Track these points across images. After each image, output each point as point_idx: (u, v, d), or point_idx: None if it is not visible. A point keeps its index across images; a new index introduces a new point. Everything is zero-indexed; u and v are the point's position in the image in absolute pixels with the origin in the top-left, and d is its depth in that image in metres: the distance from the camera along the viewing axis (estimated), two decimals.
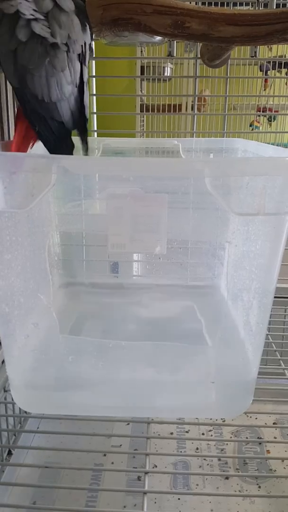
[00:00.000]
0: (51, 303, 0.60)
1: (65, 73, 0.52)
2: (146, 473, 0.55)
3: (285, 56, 1.78)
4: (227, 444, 0.71)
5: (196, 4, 0.79)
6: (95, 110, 1.47)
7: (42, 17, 0.49)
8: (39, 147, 0.55)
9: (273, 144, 0.68)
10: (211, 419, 0.73)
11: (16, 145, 0.54)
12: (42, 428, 0.72)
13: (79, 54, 0.54)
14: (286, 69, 1.71)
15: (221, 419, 0.74)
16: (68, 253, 0.86)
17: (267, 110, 1.88)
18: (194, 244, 0.83)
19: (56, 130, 0.53)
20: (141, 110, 2.02)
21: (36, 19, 0.49)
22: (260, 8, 0.86)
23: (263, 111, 1.88)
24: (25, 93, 0.50)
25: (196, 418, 0.72)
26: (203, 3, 0.85)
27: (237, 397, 0.57)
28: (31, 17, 0.48)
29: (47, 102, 0.52)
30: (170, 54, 0.93)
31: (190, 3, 0.69)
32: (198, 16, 0.59)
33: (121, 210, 0.51)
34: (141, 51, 1.47)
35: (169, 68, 1.84)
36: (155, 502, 0.60)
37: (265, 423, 0.75)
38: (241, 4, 0.91)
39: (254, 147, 0.71)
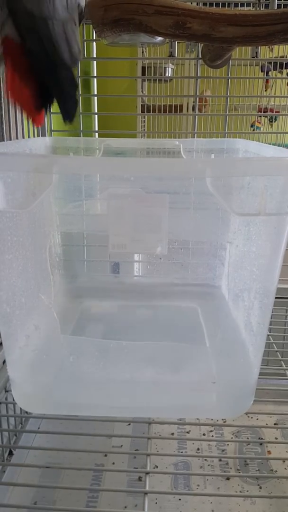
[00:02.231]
0: (52, 303, 0.60)
1: None
2: (147, 473, 0.55)
3: (286, 57, 1.78)
4: (228, 444, 0.71)
5: (197, 4, 0.79)
6: (96, 111, 1.47)
7: None
8: (39, 148, 0.55)
9: (274, 144, 0.68)
10: (212, 419, 0.73)
11: (9, 81, 0.51)
12: (43, 428, 0.72)
13: None
14: (287, 70, 1.71)
15: (222, 419, 0.74)
16: (69, 253, 0.86)
17: (268, 110, 1.88)
18: (195, 245, 0.83)
19: (50, 54, 0.50)
20: (142, 111, 2.02)
21: None
22: (262, 9, 0.86)
23: (264, 112, 1.88)
24: (14, 4, 0.49)
25: (197, 419, 0.72)
26: (204, 4, 0.85)
27: (238, 397, 0.57)
28: None
29: (37, 16, 0.49)
30: (171, 55, 0.93)
31: (191, 3, 0.69)
32: (199, 17, 0.59)
33: (122, 210, 0.51)
34: (142, 52, 1.47)
35: (170, 69, 1.84)
36: (156, 503, 0.60)
37: (266, 424, 0.75)
38: (242, 5, 0.91)
39: (255, 148, 0.71)
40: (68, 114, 0.53)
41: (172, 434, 0.72)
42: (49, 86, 0.52)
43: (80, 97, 0.53)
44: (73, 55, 0.52)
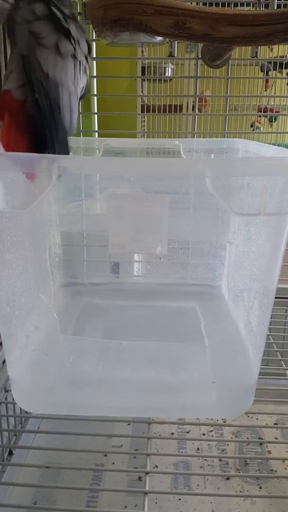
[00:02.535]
0: (52, 303, 0.60)
1: (69, 63, 0.54)
2: (147, 473, 0.55)
3: (286, 57, 1.77)
4: (228, 444, 0.71)
5: (197, 4, 0.79)
6: (96, 111, 1.47)
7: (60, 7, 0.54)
8: None
9: (274, 144, 0.68)
10: (212, 419, 0.73)
11: (5, 135, 0.52)
12: (43, 428, 0.72)
13: (80, 63, 0.56)
14: (287, 70, 1.71)
15: (222, 419, 0.74)
16: (69, 253, 0.86)
17: (268, 110, 1.88)
18: (195, 245, 0.83)
19: (54, 113, 0.53)
20: (142, 111, 2.02)
21: (54, 4, 0.53)
22: (261, 9, 0.86)
23: (264, 112, 1.88)
24: (32, 61, 0.52)
25: (197, 419, 0.72)
26: (204, 4, 0.85)
27: (238, 397, 0.57)
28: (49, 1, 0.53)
29: (51, 78, 0.53)
30: (171, 55, 0.93)
31: (191, 3, 0.69)
32: (199, 17, 0.59)
33: (121, 210, 0.51)
34: (142, 52, 1.47)
35: (170, 69, 1.83)
36: (156, 503, 0.60)
37: (266, 424, 0.75)
38: (242, 5, 0.91)
39: (255, 148, 0.71)
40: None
41: (172, 434, 0.72)
42: (43, 146, 0.53)
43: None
44: (72, 125, 0.55)
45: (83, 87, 0.59)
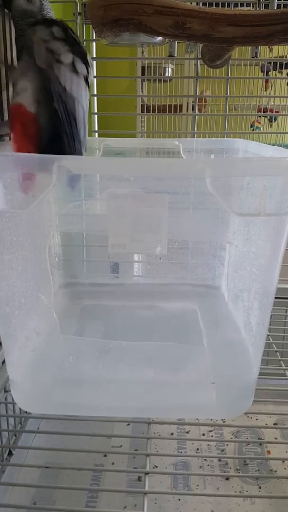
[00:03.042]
0: (51, 303, 0.60)
1: (83, 82, 0.58)
2: (146, 473, 0.55)
3: (286, 57, 1.77)
4: (227, 444, 0.71)
5: (197, 4, 0.79)
6: (95, 111, 1.47)
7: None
8: None
9: (274, 144, 0.68)
10: (211, 419, 0.73)
11: (17, 143, 0.55)
12: (43, 428, 0.72)
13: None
14: (287, 70, 1.71)
15: (222, 419, 0.74)
16: (69, 253, 0.86)
17: (268, 110, 1.88)
18: (195, 245, 0.83)
19: (71, 125, 0.57)
20: (142, 111, 2.02)
21: (70, 29, 0.58)
22: (261, 9, 0.86)
23: (264, 112, 1.87)
24: (51, 74, 0.56)
25: (197, 419, 0.72)
26: (204, 4, 0.85)
27: (237, 397, 0.57)
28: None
29: (68, 92, 0.57)
30: (171, 55, 0.93)
31: (191, 3, 0.69)
32: (199, 17, 0.59)
33: (121, 210, 0.51)
34: (142, 52, 1.47)
35: (170, 69, 1.83)
36: (156, 503, 0.60)
37: (266, 424, 0.75)
38: (242, 5, 0.91)
39: (255, 148, 0.71)
40: (73, 183, 0.56)
41: (172, 434, 0.72)
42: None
43: None
44: (85, 139, 0.59)
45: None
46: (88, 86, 0.61)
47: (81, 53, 0.59)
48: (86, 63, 0.59)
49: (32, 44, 0.57)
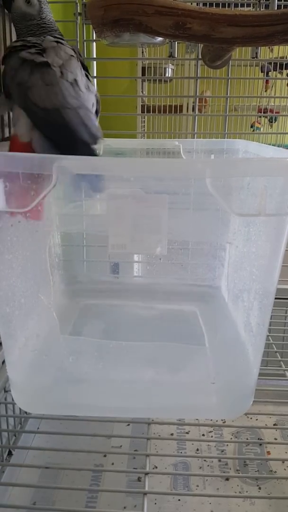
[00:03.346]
0: (51, 303, 0.60)
1: (58, 88, 0.56)
2: (146, 474, 0.55)
3: (286, 57, 1.77)
4: (227, 445, 0.71)
5: (197, 5, 0.79)
6: None
7: (34, 46, 0.57)
8: None
9: (274, 145, 0.68)
10: (211, 420, 0.73)
11: None
12: (42, 428, 0.72)
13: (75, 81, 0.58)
14: (287, 70, 1.71)
15: (222, 420, 0.74)
16: (69, 253, 0.86)
17: (268, 111, 1.88)
18: (195, 245, 0.83)
19: (70, 139, 0.56)
20: (142, 111, 2.02)
21: (28, 47, 0.57)
22: (262, 9, 0.87)
23: (264, 112, 1.88)
24: (28, 105, 0.56)
25: (197, 419, 0.72)
26: (204, 4, 0.85)
27: (237, 398, 0.57)
28: (21, 48, 0.57)
29: (52, 109, 0.55)
30: (171, 55, 0.93)
31: (191, 4, 0.69)
32: (199, 17, 0.59)
33: (121, 210, 0.51)
34: (142, 52, 1.47)
35: (170, 69, 1.83)
36: (155, 503, 0.60)
37: (266, 424, 0.75)
38: (242, 5, 0.91)
39: (255, 148, 0.71)
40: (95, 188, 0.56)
41: (172, 434, 0.72)
42: None
43: None
44: (93, 134, 0.58)
45: (93, 103, 0.61)
46: (70, 83, 0.58)
47: (43, 64, 0.56)
48: (52, 66, 0.57)
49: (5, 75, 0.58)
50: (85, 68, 0.62)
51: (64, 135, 0.56)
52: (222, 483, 0.64)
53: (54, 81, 0.56)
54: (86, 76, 0.61)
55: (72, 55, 0.59)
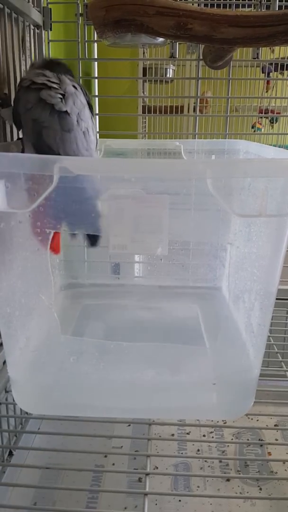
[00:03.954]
0: (52, 304, 0.60)
1: (73, 135, 0.58)
2: (147, 474, 0.55)
3: (287, 58, 1.77)
4: (228, 446, 0.71)
5: (198, 5, 0.79)
6: (97, 111, 1.47)
7: (55, 88, 0.58)
8: None
9: (275, 145, 0.68)
10: (212, 420, 0.73)
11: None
12: (43, 429, 0.72)
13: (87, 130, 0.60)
14: None
15: (222, 420, 0.74)
16: (70, 254, 0.86)
17: (269, 111, 1.88)
18: (196, 246, 0.82)
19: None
20: (143, 112, 2.02)
21: (48, 87, 0.58)
22: (263, 10, 0.87)
23: (265, 113, 1.87)
24: (40, 144, 0.57)
25: (197, 420, 0.72)
26: (206, 5, 0.85)
27: (238, 398, 0.57)
28: (42, 86, 0.58)
29: (61, 154, 0.57)
30: (172, 56, 0.93)
31: (192, 4, 0.69)
32: (201, 18, 0.59)
33: (122, 211, 0.51)
34: (143, 53, 1.47)
35: (171, 70, 1.84)
36: (156, 504, 0.60)
37: (266, 425, 0.75)
38: (243, 6, 0.91)
39: (256, 149, 0.71)
40: (93, 241, 0.58)
41: (172, 435, 0.72)
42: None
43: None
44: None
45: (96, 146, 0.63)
46: (86, 130, 0.60)
47: (62, 112, 0.57)
48: (69, 114, 0.58)
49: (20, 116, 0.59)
50: (91, 107, 0.63)
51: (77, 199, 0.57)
52: (222, 483, 0.64)
53: (71, 128, 0.58)
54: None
55: (85, 104, 0.61)
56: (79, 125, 0.59)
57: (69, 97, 0.59)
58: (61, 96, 0.58)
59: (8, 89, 0.70)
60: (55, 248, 0.58)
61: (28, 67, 0.79)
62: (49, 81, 0.58)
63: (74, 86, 0.60)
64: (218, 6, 0.87)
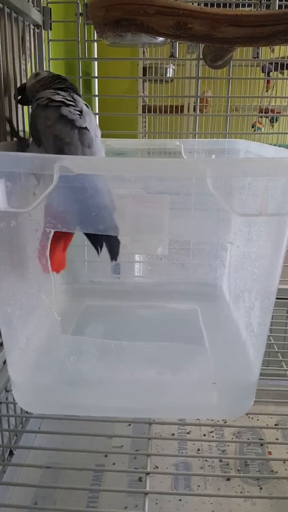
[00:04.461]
0: (52, 303, 0.60)
1: (93, 150, 0.60)
2: (147, 473, 0.55)
3: (287, 57, 1.77)
4: (228, 445, 0.71)
5: (198, 5, 0.79)
6: (97, 111, 1.47)
7: (73, 105, 0.60)
8: None
9: (275, 145, 0.68)
10: (212, 420, 0.73)
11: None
12: (44, 428, 0.72)
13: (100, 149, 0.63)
14: None
15: (223, 420, 0.74)
16: (70, 253, 0.86)
17: (269, 111, 1.88)
18: (196, 245, 0.82)
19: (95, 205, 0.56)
20: (143, 111, 2.02)
21: (66, 104, 0.59)
22: (263, 9, 0.86)
23: (265, 112, 1.87)
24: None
25: (198, 419, 0.72)
26: (206, 4, 0.85)
27: (238, 398, 0.57)
28: (60, 103, 0.59)
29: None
30: (172, 55, 0.93)
31: (192, 4, 0.69)
32: (201, 17, 0.59)
33: (122, 210, 0.51)
34: (143, 52, 1.47)
35: (171, 69, 1.83)
36: (156, 503, 0.60)
37: (267, 424, 0.75)
38: (243, 5, 0.91)
39: (256, 148, 0.71)
40: (113, 254, 0.58)
41: (173, 434, 0.72)
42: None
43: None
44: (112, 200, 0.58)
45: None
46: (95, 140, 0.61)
47: (82, 128, 0.59)
48: (89, 131, 0.59)
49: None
50: None
51: (88, 196, 0.57)
52: (223, 483, 0.64)
53: (90, 143, 0.60)
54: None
55: (96, 123, 0.63)
56: (96, 142, 0.61)
57: (86, 114, 0.60)
58: (79, 113, 0.60)
59: (8, 89, 0.70)
60: (60, 265, 0.61)
61: (28, 69, 0.79)
62: (65, 99, 0.60)
63: (86, 105, 0.62)
64: (218, 5, 0.87)
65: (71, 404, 0.57)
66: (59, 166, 0.42)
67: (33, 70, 0.83)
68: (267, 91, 1.95)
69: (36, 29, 0.83)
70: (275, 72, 1.59)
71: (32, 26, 0.80)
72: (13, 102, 0.71)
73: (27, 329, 0.59)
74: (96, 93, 1.64)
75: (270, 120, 2.16)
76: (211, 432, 0.73)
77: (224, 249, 0.78)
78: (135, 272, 0.87)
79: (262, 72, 1.60)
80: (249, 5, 0.91)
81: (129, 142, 0.82)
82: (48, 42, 0.86)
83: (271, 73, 1.51)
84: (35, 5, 0.80)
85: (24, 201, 0.44)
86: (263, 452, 0.70)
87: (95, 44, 1.14)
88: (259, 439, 0.73)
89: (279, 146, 0.64)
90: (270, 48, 1.71)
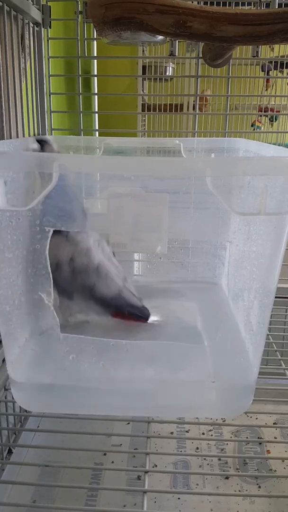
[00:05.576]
0: (51, 301, 0.60)
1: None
2: (146, 472, 0.55)
3: (287, 56, 1.77)
4: (227, 444, 0.71)
5: (198, 3, 0.79)
6: (96, 109, 1.47)
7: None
8: None
9: (274, 144, 0.68)
10: (211, 418, 0.73)
11: None
12: (43, 427, 0.72)
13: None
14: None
15: (222, 418, 0.74)
16: None
17: (269, 110, 1.88)
18: (195, 244, 0.82)
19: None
20: (143, 110, 2.01)
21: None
22: (262, 8, 0.86)
23: (264, 111, 1.87)
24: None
25: (196, 418, 0.72)
26: (205, 3, 0.85)
27: (237, 397, 0.57)
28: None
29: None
30: (172, 54, 0.93)
31: (192, 2, 0.69)
32: (200, 16, 0.59)
33: (122, 209, 0.51)
34: (143, 51, 1.47)
35: (171, 68, 1.83)
36: (155, 502, 0.60)
37: (266, 423, 0.75)
38: (243, 4, 0.91)
39: (256, 147, 0.70)
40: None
41: (172, 433, 0.72)
42: None
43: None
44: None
45: None
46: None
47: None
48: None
49: None
50: None
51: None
52: (222, 481, 0.64)
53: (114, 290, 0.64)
54: None
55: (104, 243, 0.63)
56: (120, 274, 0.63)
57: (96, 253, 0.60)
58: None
59: (7, 89, 0.70)
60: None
61: (28, 68, 0.78)
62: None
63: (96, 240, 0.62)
64: (218, 4, 0.87)
65: (70, 402, 0.57)
66: (58, 164, 0.42)
67: (33, 69, 0.83)
68: (266, 90, 1.95)
69: (35, 27, 0.82)
70: (275, 71, 1.58)
71: (31, 24, 0.80)
72: (12, 101, 0.71)
73: (26, 327, 0.59)
74: (96, 92, 1.63)
75: (269, 119, 2.16)
76: (210, 430, 0.74)
77: (223, 248, 0.78)
78: (134, 271, 0.87)
79: (262, 71, 1.60)
80: (249, 4, 0.91)
81: (129, 140, 0.82)
82: (48, 41, 0.86)
83: (270, 72, 1.51)
84: (35, 3, 0.80)
85: (23, 200, 0.44)
86: (262, 451, 0.70)
87: (95, 42, 1.14)
88: (258, 437, 0.73)
89: (279, 145, 0.64)
90: (269, 47, 1.71)
